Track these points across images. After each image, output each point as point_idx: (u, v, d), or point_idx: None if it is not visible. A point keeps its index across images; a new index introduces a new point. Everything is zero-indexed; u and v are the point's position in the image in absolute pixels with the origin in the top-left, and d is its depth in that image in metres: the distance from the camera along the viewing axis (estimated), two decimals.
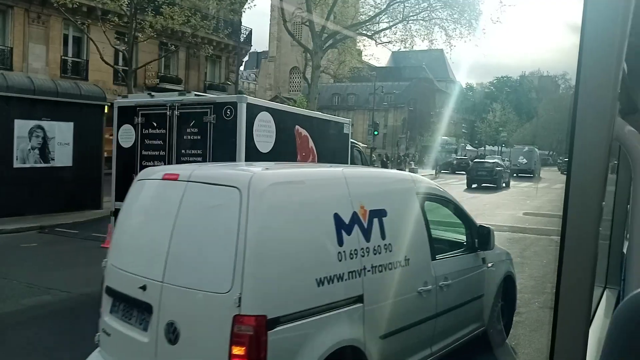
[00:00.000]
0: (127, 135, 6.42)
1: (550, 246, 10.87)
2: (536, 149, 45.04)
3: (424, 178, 5.05)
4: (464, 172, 43.32)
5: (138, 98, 8.43)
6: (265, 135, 5.96)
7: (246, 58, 37.12)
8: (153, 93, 7.52)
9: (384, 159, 42.03)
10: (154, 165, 6.14)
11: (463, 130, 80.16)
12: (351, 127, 8.66)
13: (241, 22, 31.23)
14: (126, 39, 20.33)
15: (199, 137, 5.91)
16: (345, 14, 30.08)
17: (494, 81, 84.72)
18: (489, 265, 4.92)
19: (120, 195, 6.16)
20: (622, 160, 1.97)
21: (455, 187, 29.64)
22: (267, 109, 6.17)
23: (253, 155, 5.72)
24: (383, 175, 4.80)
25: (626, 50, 0.97)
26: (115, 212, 6.32)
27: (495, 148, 70.40)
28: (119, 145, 6.54)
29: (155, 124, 6.21)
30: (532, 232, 13.07)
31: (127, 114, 6.48)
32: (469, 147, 70.48)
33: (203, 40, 24.82)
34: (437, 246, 4.32)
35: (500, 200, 22.09)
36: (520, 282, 7.56)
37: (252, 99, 5.92)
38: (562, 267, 0.94)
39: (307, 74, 31.70)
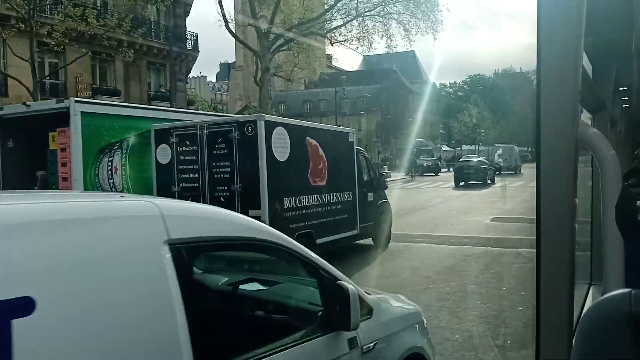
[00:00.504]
0: (164, 153, 9.18)
1: (515, 263, 10.76)
2: (515, 147, 51.23)
3: (202, 207, 3.62)
4: (433, 174, 49.43)
5: (13, 109, 10.40)
6: (281, 146, 8.84)
7: (217, 70, 38.65)
8: (29, 103, 9.89)
9: None
10: (189, 178, 9.05)
11: (441, 131, 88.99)
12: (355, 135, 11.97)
13: (186, 27, 33.67)
14: (33, 46, 20.90)
15: (226, 151, 8.72)
16: (294, 12, 32.52)
17: (467, 80, 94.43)
18: (368, 346, 3.32)
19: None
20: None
21: (429, 188, 34.31)
22: (282, 124, 9.07)
23: (273, 163, 8.61)
24: (48, 213, 2.17)
25: (590, 50, 1.19)
26: None
27: (473, 147, 79.19)
28: (157, 162, 9.30)
29: (188, 142, 9.01)
30: (496, 244, 12.90)
31: (163, 136, 9.25)
32: (445, 148, 79.04)
33: (141, 48, 27.05)
34: (230, 340, 2.77)
35: (469, 205, 23.26)
36: (464, 328, 6.83)
37: (269, 117, 8.90)
38: (540, 269, 1.09)
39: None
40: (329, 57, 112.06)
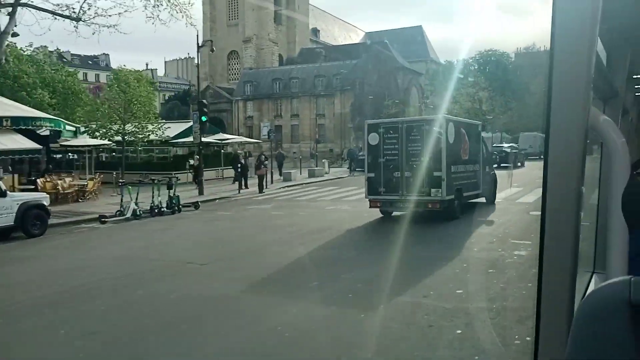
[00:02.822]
0: (373, 138, 14.73)
1: None
2: (539, 134, 53.81)
3: None
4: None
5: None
6: (450, 133, 14.30)
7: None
8: None
9: (262, 158, 28.32)
10: (391, 153, 14.58)
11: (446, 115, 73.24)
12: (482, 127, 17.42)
13: None
14: None
15: (418, 137, 14.19)
16: None
17: (477, 57, 77.98)
18: None
19: (371, 169, 14.75)
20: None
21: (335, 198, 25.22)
22: (452, 121, 14.65)
23: (447, 144, 14.05)
24: None
25: (605, 37, 1.21)
26: (368, 179, 14.86)
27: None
28: (369, 144, 14.88)
29: (391, 132, 14.55)
30: None
31: (373, 127, 14.87)
32: None
33: None
34: None
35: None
36: None
37: (447, 117, 14.48)
38: (543, 255, 1.10)
39: None
40: (315, 31, 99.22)
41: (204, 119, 25.89)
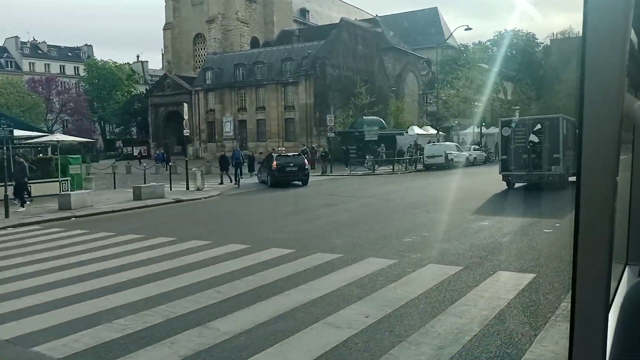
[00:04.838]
0: (506, 131, 20.11)
1: None
2: None
3: None
4: (264, 182, 28.36)
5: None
6: (564, 126, 19.52)
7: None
8: None
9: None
10: (519, 140, 20.06)
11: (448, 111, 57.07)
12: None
13: None
14: None
15: (541, 128, 19.55)
16: None
17: (495, 37, 65.14)
18: None
19: (503, 153, 20.46)
20: (638, 134, 2.13)
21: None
22: (565, 117, 19.92)
23: (562, 134, 19.45)
24: None
25: (636, 21, 1.15)
26: (501, 160, 20.52)
27: (471, 129, 52.70)
28: (502, 135, 20.33)
29: (520, 126, 19.96)
30: None
31: (506, 122, 20.39)
32: (419, 131, 52.34)
33: None
34: None
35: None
36: None
37: (562, 115, 19.93)
38: (577, 247, 1.08)
39: None
40: (303, 12, 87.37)
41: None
